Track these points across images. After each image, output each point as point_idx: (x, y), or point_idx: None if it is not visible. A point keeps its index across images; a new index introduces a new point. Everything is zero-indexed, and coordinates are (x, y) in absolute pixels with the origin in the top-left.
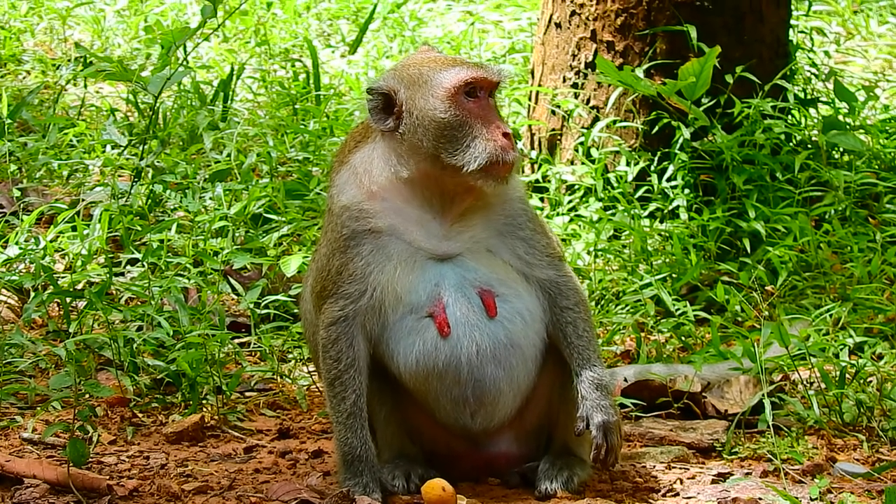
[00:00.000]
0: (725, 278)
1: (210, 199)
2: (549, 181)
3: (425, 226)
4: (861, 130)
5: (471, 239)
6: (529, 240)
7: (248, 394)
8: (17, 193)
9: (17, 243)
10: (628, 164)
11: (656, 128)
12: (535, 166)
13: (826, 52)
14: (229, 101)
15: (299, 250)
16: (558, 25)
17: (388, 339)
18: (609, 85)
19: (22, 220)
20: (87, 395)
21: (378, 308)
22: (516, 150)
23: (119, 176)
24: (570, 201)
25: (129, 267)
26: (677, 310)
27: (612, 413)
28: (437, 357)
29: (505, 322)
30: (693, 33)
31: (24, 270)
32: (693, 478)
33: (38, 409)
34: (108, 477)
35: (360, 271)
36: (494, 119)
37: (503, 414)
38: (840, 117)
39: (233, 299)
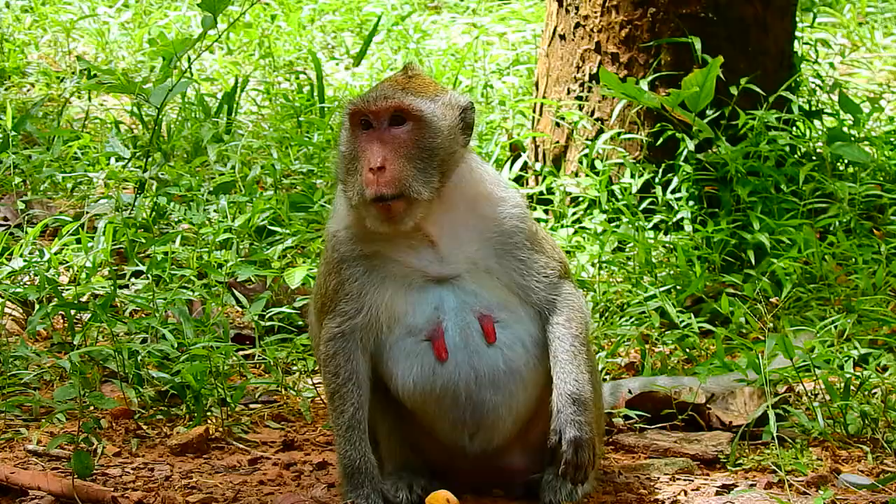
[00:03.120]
0: (730, 290)
1: (214, 211)
2: (553, 193)
3: (415, 248)
4: (866, 142)
5: (468, 260)
6: (526, 261)
7: (252, 406)
8: (21, 206)
9: (21, 256)
10: (633, 175)
11: (661, 140)
12: (540, 178)
13: (831, 64)
14: (233, 114)
15: (303, 262)
16: (563, 37)
17: (388, 359)
18: (613, 97)
19: (26, 233)
20: (91, 408)
21: (375, 326)
22: (387, 187)
23: (123, 188)
24: (574, 213)
25: (133, 279)
26: (682, 322)
27: (587, 430)
28: (434, 381)
29: (504, 349)
30: (697, 45)
31: (28, 283)
32: (697, 489)
33: (43, 421)
34: (112, 489)
35: (356, 291)
36: (377, 152)
37: (502, 437)
38: (845, 129)
39: (237, 311)
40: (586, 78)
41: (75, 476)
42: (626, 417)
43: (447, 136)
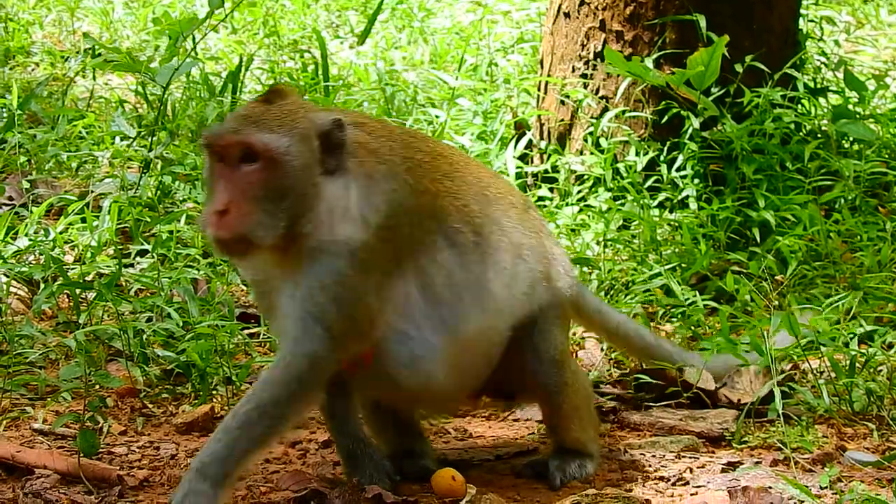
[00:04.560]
0: (735, 268)
1: None
2: (558, 171)
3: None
4: (871, 119)
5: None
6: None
7: None
8: (26, 185)
9: (26, 235)
10: (637, 154)
11: (665, 118)
12: (545, 156)
13: (836, 42)
14: (238, 93)
15: None
16: (567, 15)
17: None
18: (618, 75)
19: (31, 212)
20: (97, 386)
21: None
22: (226, 230)
23: (128, 167)
24: (579, 191)
25: (138, 258)
26: (687, 299)
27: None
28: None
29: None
30: (702, 23)
31: (33, 262)
32: (703, 467)
33: (49, 399)
34: (118, 467)
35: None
36: (222, 193)
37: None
38: (850, 106)
39: (242, 290)
40: (591, 56)
41: (81, 455)
42: (638, 388)
43: (301, 174)
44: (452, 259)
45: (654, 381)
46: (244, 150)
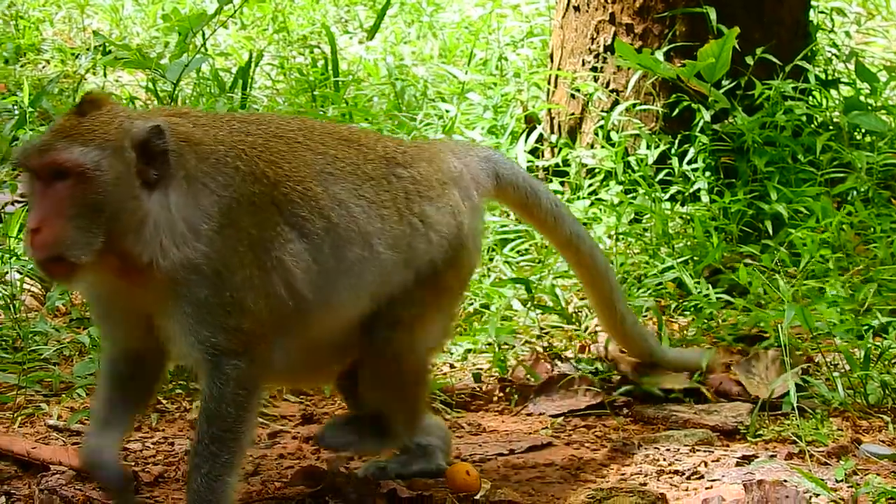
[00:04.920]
0: (748, 261)
1: None
2: (569, 165)
3: None
4: (883, 111)
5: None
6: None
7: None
8: None
9: None
10: (649, 147)
11: (676, 110)
12: (555, 150)
13: (847, 33)
14: (248, 89)
15: None
16: (577, 9)
17: None
18: (629, 68)
19: None
20: None
21: None
22: (42, 250)
23: None
24: (590, 185)
25: None
26: (699, 292)
27: None
28: None
29: None
30: (713, 15)
31: None
32: (717, 460)
33: (63, 396)
34: (133, 463)
35: None
36: (37, 211)
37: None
38: (861, 98)
39: None
40: (601, 49)
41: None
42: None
43: (115, 188)
44: (306, 250)
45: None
46: (53, 167)
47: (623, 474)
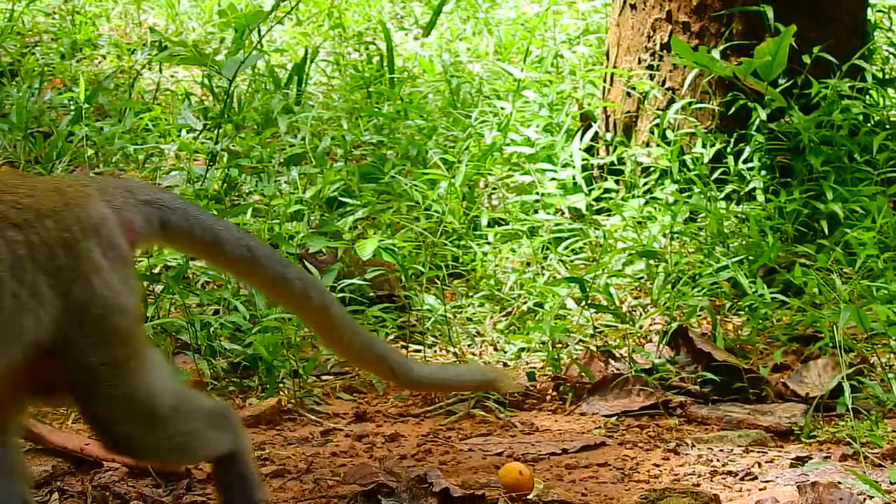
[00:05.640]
0: (803, 260)
1: (285, 182)
2: (624, 163)
3: None
4: None
5: None
6: None
7: (324, 377)
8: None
9: None
10: (704, 145)
11: (732, 109)
12: (610, 148)
13: None
14: (303, 85)
15: (374, 234)
16: (633, 6)
17: None
18: (685, 66)
19: None
20: None
21: None
22: None
23: (194, 160)
24: (645, 183)
25: None
26: (754, 292)
27: None
28: None
29: None
30: (770, 13)
31: None
32: (771, 461)
33: None
34: None
35: None
36: None
37: None
38: None
39: None
40: (657, 47)
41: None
42: (704, 383)
43: None
44: None
45: (722, 377)
46: None
47: (676, 475)
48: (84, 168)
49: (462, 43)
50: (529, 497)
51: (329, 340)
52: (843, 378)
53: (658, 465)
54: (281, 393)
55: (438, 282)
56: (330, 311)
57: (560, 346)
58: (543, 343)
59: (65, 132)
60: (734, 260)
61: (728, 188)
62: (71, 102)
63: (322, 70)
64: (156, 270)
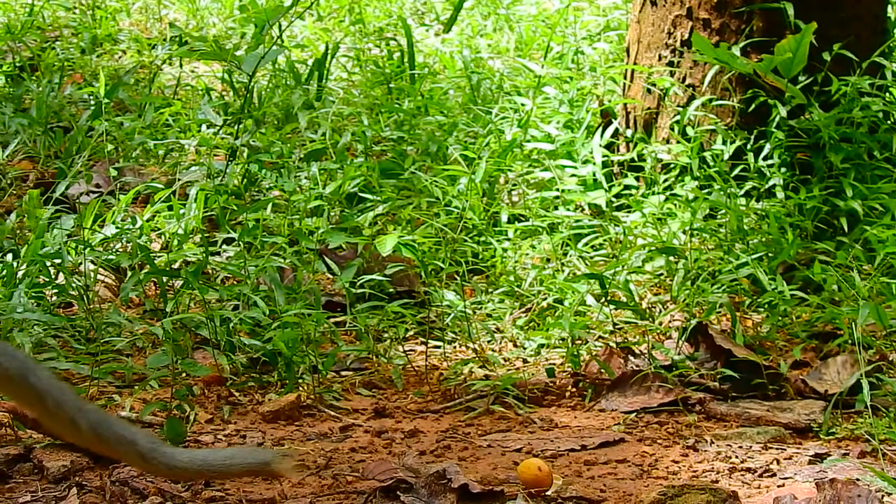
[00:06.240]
0: (822, 257)
1: (305, 178)
2: (644, 160)
3: None
4: None
5: None
6: None
7: (343, 373)
8: (113, 173)
9: (113, 223)
10: (724, 142)
11: (752, 106)
12: (631, 145)
13: None
14: (324, 81)
15: (394, 229)
16: (653, 3)
17: None
18: (705, 63)
19: (119, 200)
20: (183, 374)
21: None
22: None
23: (215, 155)
24: (665, 180)
25: (224, 246)
26: (774, 289)
27: None
28: None
29: None
30: (790, 10)
31: (120, 250)
32: (790, 458)
33: (136, 387)
34: None
35: None
36: None
37: None
38: None
39: (328, 279)
40: (678, 44)
41: (168, 443)
42: (723, 380)
43: None
44: None
45: (741, 374)
46: None
47: (695, 471)
48: (104, 163)
49: (483, 39)
50: (548, 493)
51: (57, 428)
52: (861, 375)
53: (677, 462)
54: (300, 388)
55: (458, 278)
56: (49, 395)
57: (579, 342)
58: (563, 339)
59: (84, 127)
60: (754, 257)
61: (748, 185)
62: (91, 97)
63: (342, 66)
64: (175, 265)
